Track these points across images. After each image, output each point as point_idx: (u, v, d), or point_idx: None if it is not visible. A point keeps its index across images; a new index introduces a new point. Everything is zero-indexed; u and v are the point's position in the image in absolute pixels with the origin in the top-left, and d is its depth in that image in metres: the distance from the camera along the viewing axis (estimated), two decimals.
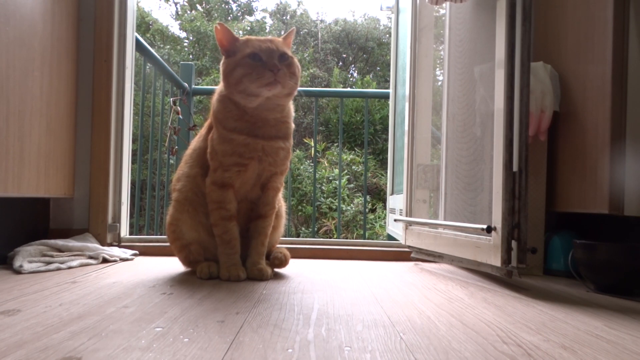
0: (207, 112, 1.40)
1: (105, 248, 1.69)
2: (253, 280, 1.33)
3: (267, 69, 1.22)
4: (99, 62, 1.81)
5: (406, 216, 1.90)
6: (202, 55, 7.84)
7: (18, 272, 1.34)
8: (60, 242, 1.58)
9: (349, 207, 5.53)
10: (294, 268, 1.57)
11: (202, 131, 1.45)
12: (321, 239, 2.17)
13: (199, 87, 3.96)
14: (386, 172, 4.08)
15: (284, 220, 1.53)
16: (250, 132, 1.30)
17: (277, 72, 1.23)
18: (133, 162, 2.37)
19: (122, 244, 1.85)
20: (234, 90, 1.27)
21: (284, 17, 9.05)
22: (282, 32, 8.65)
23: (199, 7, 9.00)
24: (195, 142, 1.47)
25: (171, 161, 2.71)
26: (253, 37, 1.31)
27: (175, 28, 8.79)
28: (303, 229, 5.68)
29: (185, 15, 8.74)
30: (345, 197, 5.67)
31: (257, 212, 1.40)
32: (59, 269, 1.42)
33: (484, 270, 1.42)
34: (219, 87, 1.38)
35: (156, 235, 2.23)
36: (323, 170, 5.88)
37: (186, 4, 9.13)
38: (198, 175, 1.39)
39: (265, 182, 1.38)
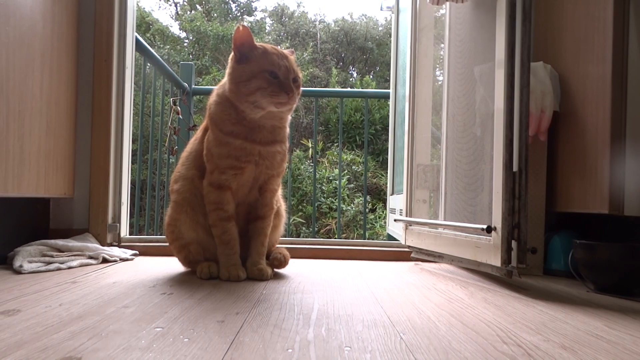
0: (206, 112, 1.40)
1: (105, 248, 1.69)
2: (253, 280, 1.33)
3: (283, 90, 1.25)
4: (99, 62, 1.81)
5: (406, 216, 1.90)
6: (202, 55, 7.85)
7: (18, 272, 1.34)
8: (60, 242, 1.58)
9: (349, 207, 5.53)
10: (294, 268, 1.57)
11: (198, 134, 1.44)
12: (321, 239, 2.17)
13: (199, 87, 3.95)
14: (386, 172, 4.08)
15: (284, 220, 1.53)
16: (247, 136, 1.31)
17: (291, 96, 1.26)
18: (133, 162, 2.37)
19: (122, 244, 1.85)
20: (243, 99, 1.27)
21: (283, 18, 9.05)
22: (282, 33, 8.69)
23: (198, 7, 9.01)
24: (191, 144, 1.47)
25: (171, 161, 2.71)
26: (269, 47, 1.30)
27: (175, 28, 8.80)
28: (303, 228, 5.67)
29: (185, 15, 8.74)
30: (346, 197, 5.67)
31: (256, 214, 1.40)
32: (59, 269, 1.42)
33: (484, 270, 1.42)
34: (217, 89, 1.38)
35: (156, 235, 2.22)
36: (323, 170, 5.88)
37: (186, 4, 9.14)
38: (195, 177, 1.39)
39: (263, 184, 1.38)
